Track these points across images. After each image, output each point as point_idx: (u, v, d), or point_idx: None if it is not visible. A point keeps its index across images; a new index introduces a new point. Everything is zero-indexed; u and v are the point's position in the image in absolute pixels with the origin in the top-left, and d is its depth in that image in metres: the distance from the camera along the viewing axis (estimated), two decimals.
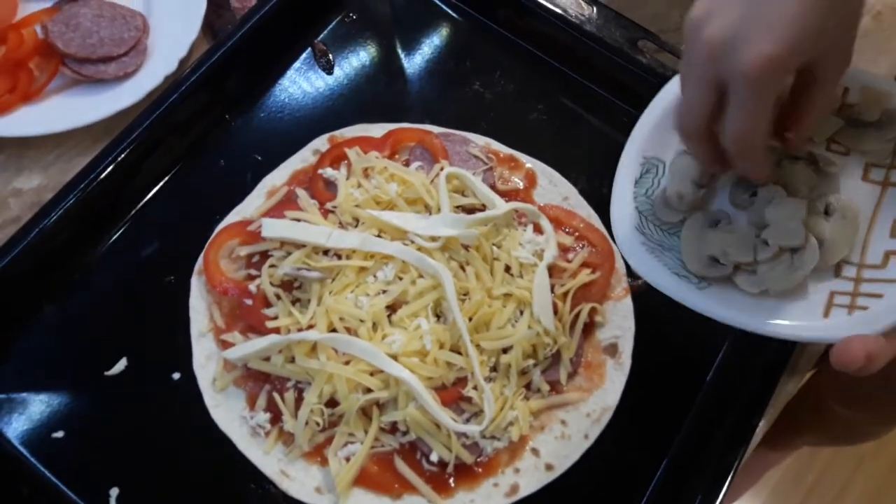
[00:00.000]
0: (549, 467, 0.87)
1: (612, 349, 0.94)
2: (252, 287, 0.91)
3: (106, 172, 0.95)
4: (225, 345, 0.90)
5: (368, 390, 0.85)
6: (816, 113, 0.70)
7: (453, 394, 0.86)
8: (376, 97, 1.09)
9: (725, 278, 0.79)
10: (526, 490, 0.86)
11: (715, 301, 0.78)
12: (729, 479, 0.85)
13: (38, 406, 0.88)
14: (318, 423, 0.85)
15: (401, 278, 0.90)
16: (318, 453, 0.86)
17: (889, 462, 2.05)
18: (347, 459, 0.85)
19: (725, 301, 0.77)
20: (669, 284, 0.79)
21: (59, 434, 0.87)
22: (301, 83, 1.09)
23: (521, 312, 0.90)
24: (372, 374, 0.85)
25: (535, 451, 0.88)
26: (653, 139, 0.86)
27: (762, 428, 0.91)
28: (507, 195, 1.00)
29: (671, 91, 0.86)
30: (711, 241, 0.79)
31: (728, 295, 0.78)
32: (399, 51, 1.13)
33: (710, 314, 0.77)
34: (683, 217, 0.83)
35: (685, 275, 0.80)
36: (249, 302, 0.91)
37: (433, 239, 0.92)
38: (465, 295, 0.89)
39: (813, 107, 0.69)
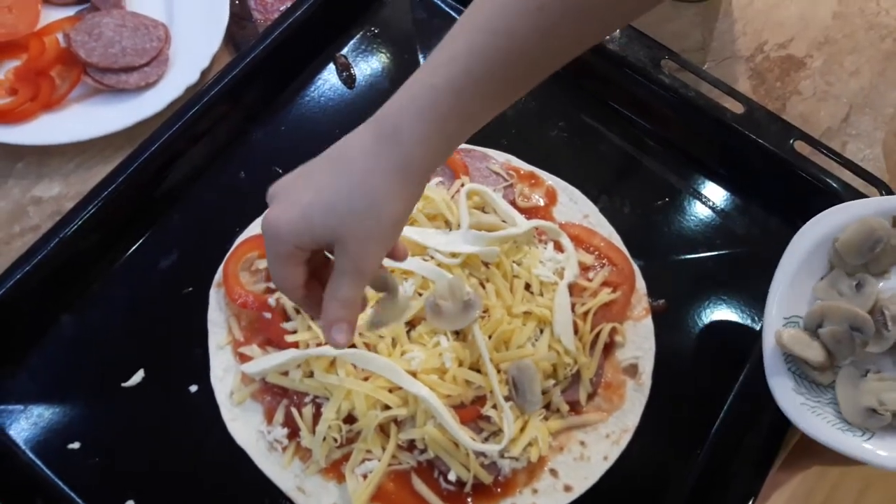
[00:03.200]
0: (567, 488, 0.87)
1: (633, 370, 0.93)
2: (271, 300, 0.91)
3: (126, 182, 0.95)
4: (243, 358, 0.90)
5: (387, 407, 0.84)
6: (332, 304, 0.64)
7: (472, 412, 0.85)
8: None
9: (888, 426, 0.82)
10: None
11: (882, 449, 0.80)
12: (752, 502, 0.84)
13: (53, 417, 0.88)
14: (335, 440, 0.84)
15: (420, 294, 0.90)
16: (335, 470, 0.86)
17: None
18: (364, 476, 0.84)
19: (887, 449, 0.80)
20: (835, 441, 0.81)
21: (75, 445, 0.86)
22: (322, 96, 1.09)
23: (541, 331, 0.90)
24: (391, 391, 0.84)
25: (553, 472, 0.87)
26: (788, 299, 0.88)
27: (782, 452, 0.90)
28: (528, 212, 1.00)
29: (796, 251, 0.88)
30: (866, 391, 0.82)
31: (892, 442, 0.81)
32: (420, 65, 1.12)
33: (879, 465, 0.79)
34: (835, 373, 0.86)
35: (848, 429, 0.83)
36: (268, 315, 0.91)
37: (453, 255, 0.91)
38: (484, 312, 0.89)
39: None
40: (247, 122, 1.06)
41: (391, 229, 0.62)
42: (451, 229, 0.95)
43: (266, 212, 0.64)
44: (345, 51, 1.12)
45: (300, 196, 0.62)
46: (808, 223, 0.88)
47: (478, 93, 0.60)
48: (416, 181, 0.62)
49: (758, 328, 0.97)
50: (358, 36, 1.14)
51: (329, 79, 1.10)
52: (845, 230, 0.87)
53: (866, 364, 0.85)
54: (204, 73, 1.08)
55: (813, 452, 1.65)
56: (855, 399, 0.83)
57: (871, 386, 0.82)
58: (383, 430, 0.86)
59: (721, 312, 0.99)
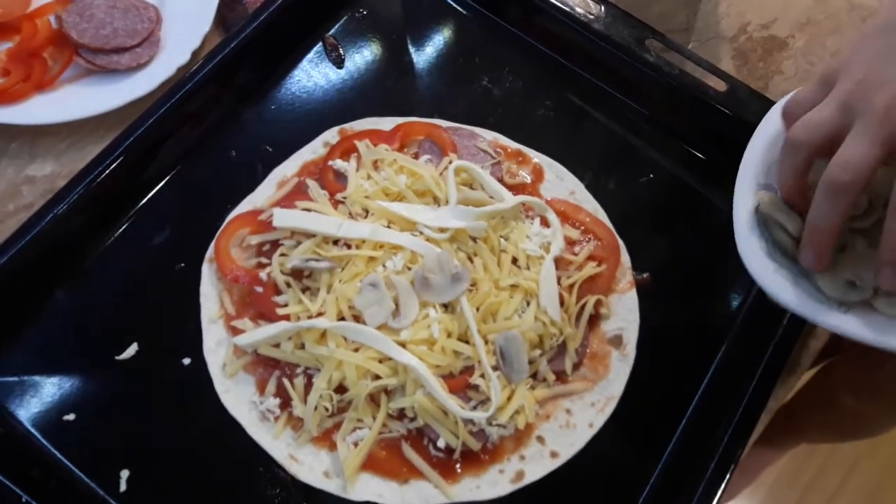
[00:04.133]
0: (553, 455, 0.89)
1: (617, 340, 0.95)
2: (262, 275, 0.92)
3: (118, 161, 0.96)
4: (235, 331, 0.91)
5: (377, 377, 0.86)
6: None
7: (460, 382, 0.87)
8: (386, 91, 1.11)
9: (865, 302, 0.78)
10: (531, 477, 0.87)
11: (859, 323, 0.77)
12: (731, 469, 0.86)
13: (49, 389, 0.89)
14: (326, 409, 0.86)
15: (409, 268, 0.91)
16: (326, 438, 0.87)
17: (885, 460, 2.06)
18: (356, 444, 0.86)
19: (870, 324, 0.77)
20: (812, 311, 0.79)
21: (71, 417, 0.88)
22: (312, 77, 1.11)
23: (528, 303, 0.92)
24: (381, 362, 0.86)
25: (540, 439, 0.89)
26: (764, 166, 0.87)
27: (763, 421, 0.93)
28: (515, 189, 1.02)
29: (772, 121, 0.87)
30: (843, 265, 0.80)
31: (871, 318, 0.78)
32: (409, 46, 1.14)
33: (856, 337, 0.76)
34: None
35: (825, 301, 0.79)
36: (260, 290, 0.92)
37: (442, 230, 0.93)
38: (472, 286, 0.91)
39: None
40: (237, 101, 1.07)
41: None
42: (439, 205, 0.96)
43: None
44: (333, 31, 1.14)
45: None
46: (788, 95, 0.87)
47: None
48: None
49: (736, 304, 0.99)
50: (346, 17, 1.15)
51: (317, 59, 1.12)
52: None
53: (843, 240, 0.81)
54: (195, 54, 1.09)
55: (798, 429, 1.69)
56: (833, 271, 0.79)
57: (851, 260, 0.79)
58: (374, 399, 0.88)
59: (703, 285, 1.01)
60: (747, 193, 0.86)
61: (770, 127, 0.87)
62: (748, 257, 0.82)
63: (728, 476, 0.85)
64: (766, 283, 0.81)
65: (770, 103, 1.04)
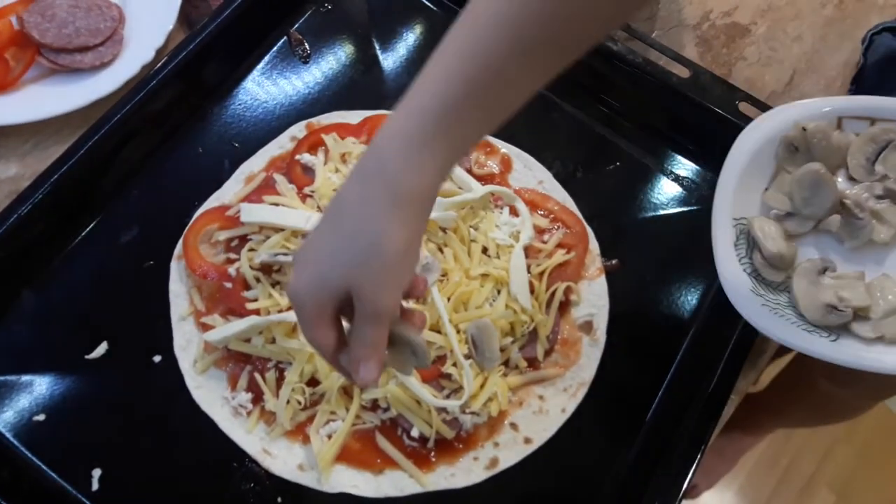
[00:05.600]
0: (527, 441, 0.89)
1: (588, 326, 0.96)
2: (231, 270, 0.92)
3: (83, 160, 0.95)
4: (205, 328, 0.91)
5: None
6: (357, 346, 0.64)
7: (433, 371, 0.87)
8: (353, 85, 1.11)
9: (843, 326, 0.82)
10: (505, 463, 0.88)
11: (848, 352, 0.80)
12: (702, 449, 0.87)
13: (19, 390, 0.88)
14: (299, 402, 0.86)
15: None
16: (299, 431, 0.87)
17: (860, 445, 2.09)
18: (329, 437, 0.86)
19: (853, 350, 0.81)
20: (802, 342, 0.81)
21: (41, 417, 0.87)
22: (277, 72, 1.10)
23: (499, 292, 0.92)
24: None
25: (513, 426, 0.90)
26: (737, 200, 0.89)
27: (734, 401, 0.94)
28: (483, 179, 1.02)
29: (743, 149, 0.89)
30: (825, 288, 0.83)
31: (854, 344, 0.81)
32: (374, 39, 1.14)
33: (846, 364, 0.79)
34: (788, 275, 0.87)
35: (813, 330, 0.82)
36: (229, 285, 0.92)
37: None
38: (443, 276, 0.91)
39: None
40: (203, 98, 1.07)
41: (398, 262, 0.61)
42: None
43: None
44: (298, 26, 1.14)
45: (310, 257, 0.63)
46: (752, 122, 0.90)
47: (444, 116, 0.59)
48: (413, 209, 0.61)
49: (703, 288, 1.00)
50: (311, 11, 1.15)
51: (283, 54, 1.12)
52: (793, 127, 0.89)
53: (825, 263, 0.86)
54: (159, 52, 1.08)
55: (776, 414, 1.71)
56: (813, 295, 0.82)
57: (830, 282, 0.83)
58: (346, 391, 0.88)
59: (672, 270, 1.02)
60: (725, 230, 0.87)
61: (739, 158, 0.89)
62: (736, 300, 0.84)
63: (699, 456, 0.86)
64: (757, 322, 0.83)
65: (733, 88, 1.06)
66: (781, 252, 0.86)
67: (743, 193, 0.89)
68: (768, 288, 0.86)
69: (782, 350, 1.11)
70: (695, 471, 0.86)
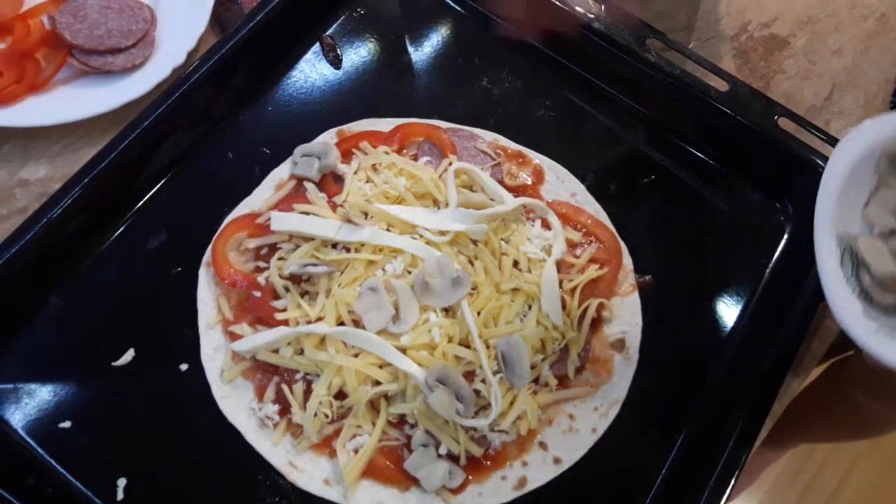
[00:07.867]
0: (556, 461, 0.88)
1: (620, 344, 0.94)
2: (260, 279, 0.91)
3: (113, 164, 0.94)
4: (233, 336, 0.90)
5: (377, 382, 0.85)
6: None
7: None
8: (384, 92, 1.09)
9: None
10: (534, 483, 0.86)
11: None
12: (737, 473, 0.85)
13: (44, 396, 0.88)
14: (326, 415, 0.85)
15: (409, 272, 0.90)
16: (326, 445, 0.86)
17: (884, 460, 2.06)
18: (356, 451, 0.85)
19: None
20: None
21: (66, 424, 0.87)
22: (309, 77, 1.09)
23: (530, 307, 0.91)
24: (381, 367, 0.85)
25: (543, 445, 0.88)
26: (838, 215, 0.83)
27: (767, 425, 0.92)
28: (515, 191, 1.01)
29: (843, 161, 0.84)
30: None
31: None
32: (407, 46, 1.13)
33: None
34: None
35: None
36: (258, 294, 0.91)
37: (442, 233, 0.92)
38: (473, 289, 0.90)
39: None
40: (234, 102, 1.06)
41: None
42: (439, 208, 0.95)
43: None
44: (330, 31, 1.13)
45: None
46: (851, 132, 0.84)
47: None
48: None
49: (740, 306, 0.98)
50: (344, 17, 1.14)
51: (315, 59, 1.11)
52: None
53: None
54: (190, 55, 1.08)
55: (801, 429, 1.68)
56: None
57: None
58: (373, 405, 0.86)
59: (705, 286, 1.00)
60: (829, 249, 0.82)
61: (838, 172, 0.84)
62: (850, 326, 0.78)
63: (733, 481, 0.84)
64: (875, 349, 0.77)
65: (773, 103, 1.04)
66: (894, 273, 0.80)
67: (842, 209, 0.84)
68: (878, 309, 0.81)
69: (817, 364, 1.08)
70: (729, 495, 0.84)
